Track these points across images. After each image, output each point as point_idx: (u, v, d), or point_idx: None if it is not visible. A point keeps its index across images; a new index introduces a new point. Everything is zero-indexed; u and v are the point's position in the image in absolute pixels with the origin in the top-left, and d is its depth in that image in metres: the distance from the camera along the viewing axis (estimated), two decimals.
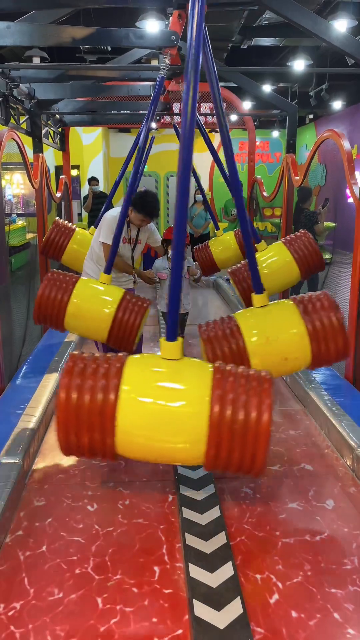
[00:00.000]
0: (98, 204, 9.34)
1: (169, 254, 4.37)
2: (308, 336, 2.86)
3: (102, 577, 2.22)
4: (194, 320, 6.18)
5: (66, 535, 2.49)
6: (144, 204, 3.91)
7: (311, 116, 15.07)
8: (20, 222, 11.70)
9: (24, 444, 3.03)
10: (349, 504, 2.74)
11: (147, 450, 2.31)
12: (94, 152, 14.17)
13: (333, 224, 9.42)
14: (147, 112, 4.06)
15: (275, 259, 4.06)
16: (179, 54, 4.23)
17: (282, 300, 3.15)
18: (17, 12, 3.63)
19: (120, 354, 2.38)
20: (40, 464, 3.13)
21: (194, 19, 2.15)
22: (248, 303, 4.39)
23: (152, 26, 5.73)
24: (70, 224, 5.19)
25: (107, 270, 3.66)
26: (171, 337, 2.30)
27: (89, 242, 4.47)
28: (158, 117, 7.40)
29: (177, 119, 7.33)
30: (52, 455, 3.22)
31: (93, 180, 9.88)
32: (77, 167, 13.79)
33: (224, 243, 5.16)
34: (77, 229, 5.15)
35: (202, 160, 11.68)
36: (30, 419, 3.36)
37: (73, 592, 2.13)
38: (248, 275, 4.15)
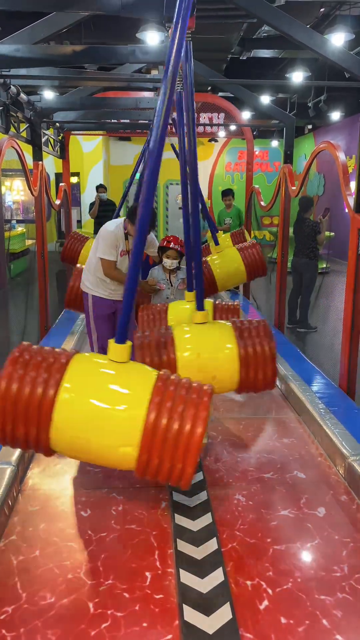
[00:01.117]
0: (104, 211, 9.43)
1: (163, 263, 4.38)
2: (239, 360, 2.92)
3: (93, 582, 2.24)
4: None
5: (59, 540, 2.51)
6: None
7: (310, 126, 15.20)
8: (20, 229, 11.77)
9: (19, 450, 3.05)
10: (340, 512, 2.76)
11: (81, 449, 2.32)
12: (94, 160, 14.28)
13: (331, 233, 9.49)
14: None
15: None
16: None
17: (221, 321, 3.24)
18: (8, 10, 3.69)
19: (68, 351, 2.37)
20: (35, 469, 3.16)
21: (177, 33, 2.21)
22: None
23: (152, 38, 5.80)
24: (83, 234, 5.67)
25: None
26: (120, 340, 2.32)
27: None
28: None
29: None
30: (47, 461, 3.24)
31: (101, 188, 9.96)
32: (77, 174, 13.89)
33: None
34: (89, 238, 5.60)
35: (203, 168, 11.79)
36: None
37: (65, 597, 2.15)
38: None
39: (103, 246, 3.94)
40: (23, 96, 4.88)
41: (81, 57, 3.99)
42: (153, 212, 3.78)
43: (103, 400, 2.25)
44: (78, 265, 5.10)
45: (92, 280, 4.14)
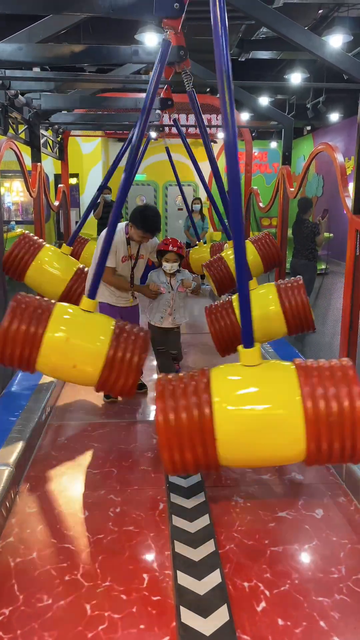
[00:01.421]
0: (107, 212, 9.43)
1: (163, 267, 4.13)
2: (105, 358, 2.84)
3: (91, 583, 2.24)
4: (189, 330, 6.23)
5: (57, 542, 2.51)
6: (144, 220, 3.72)
7: (309, 128, 15.21)
8: (19, 230, 11.75)
9: (17, 451, 3.05)
10: (338, 514, 2.76)
11: (249, 456, 2.40)
12: (93, 161, 14.28)
13: (330, 235, 9.49)
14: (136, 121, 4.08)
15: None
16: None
17: (107, 317, 3.13)
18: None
19: (203, 369, 2.46)
20: (32, 471, 3.15)
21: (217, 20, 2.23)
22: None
23: (150, 39, 5.81)
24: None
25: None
26: (248, 344, 2.39)
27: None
28: (162, 128, 7.48)
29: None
30: (44, 463, 3.24)
31: (106, 189, 9.93)
32: (76, 175, 13.88)
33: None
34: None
35: (206, 168, 11.79)
36: (24, 426, 3.38)
37: (62, 599, 2.15)
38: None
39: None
40: (21, 98, 4.89)
41: (83, 57, 3.97)
42: (157, 214, 3.78)
43: (255, 404, 2.32)
44: (81, 265, 4.71)
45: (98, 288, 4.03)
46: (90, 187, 13.63)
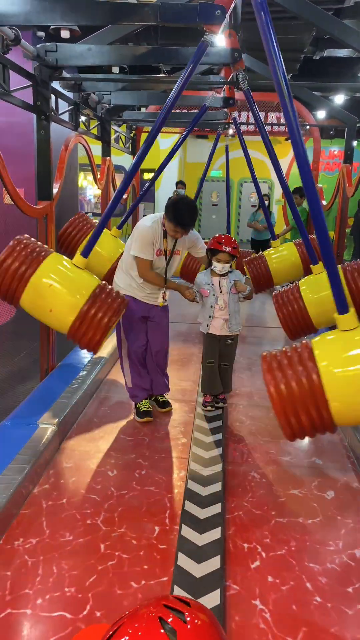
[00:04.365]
0: None
1: (213, 267, 3.68)
2: (78, 312, 3.16)
3: (108, 528, 2.54)
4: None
5: (85, 492, 2.83)
6: (175, 213, 3.38)
7: None
8: (95, 221, 12.34)
9: (63, 414, 3.42)
10: (349, 497, 2.89)
11: None
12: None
13: None
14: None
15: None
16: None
17: (95, 277, 3.40)
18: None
19: (304, 342, 2.63)
20: (75, 433, 3.50)
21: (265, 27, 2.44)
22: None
23: (219, 40, 6.02)
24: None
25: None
26: (343, 310, 2.53)
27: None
28: (227, 126, 7.69)
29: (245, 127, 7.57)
30: (86, 428, 3.59)
31: (179, 184, 10.30)
32: (153, 170, 14.32)
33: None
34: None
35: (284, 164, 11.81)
36: (72, 394, 3.75)
37: (81, 537, 2.47)
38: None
39: (139, 243, 3.46)
40: (93, 95, 5.28)
41: (150, 58, 4.31)
42: (192, 207, 3.46)
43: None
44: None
45: (125, 280, 3.65)
46: (166, 182, 14.01)
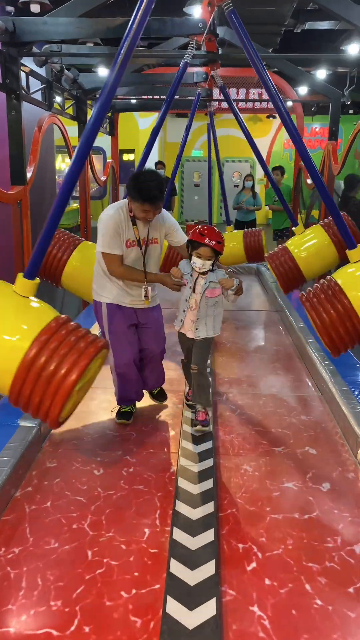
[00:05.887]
0: None
1: (192, 262, 3.14)
2: (21, 360, 2.32)
3: (95, 533, 2.41)
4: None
5: (70, 494, 2.69)
6: (138, 187, 2.88)
7: None
8: (75, 205, 12.06)
9: None
10: (345, 488, 2.79)
11: None
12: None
13: None
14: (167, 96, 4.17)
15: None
16: (215, 42, 4.30)
17: (46, 306, 2.55)
18: None
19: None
20: (57, 431, 3.35)
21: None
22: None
23: (198, 12, 5.77)
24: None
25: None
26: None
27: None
28: (207, 104, 7.45)
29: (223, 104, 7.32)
30: (70, 424, 3.40)
31: (159, 165, 10.02)
32: (132, 151, 14.01)
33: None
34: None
35: (260, 145, 11.64)
36: None
37: (67, 544, 2.33)
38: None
39: (104, 237, 3.03)
40: (68, 73, 5.02)
41: (124, 30, 4.07)
42: (156, 177, 2.96)
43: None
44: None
45: (105, 286, 3.22)
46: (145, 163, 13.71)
